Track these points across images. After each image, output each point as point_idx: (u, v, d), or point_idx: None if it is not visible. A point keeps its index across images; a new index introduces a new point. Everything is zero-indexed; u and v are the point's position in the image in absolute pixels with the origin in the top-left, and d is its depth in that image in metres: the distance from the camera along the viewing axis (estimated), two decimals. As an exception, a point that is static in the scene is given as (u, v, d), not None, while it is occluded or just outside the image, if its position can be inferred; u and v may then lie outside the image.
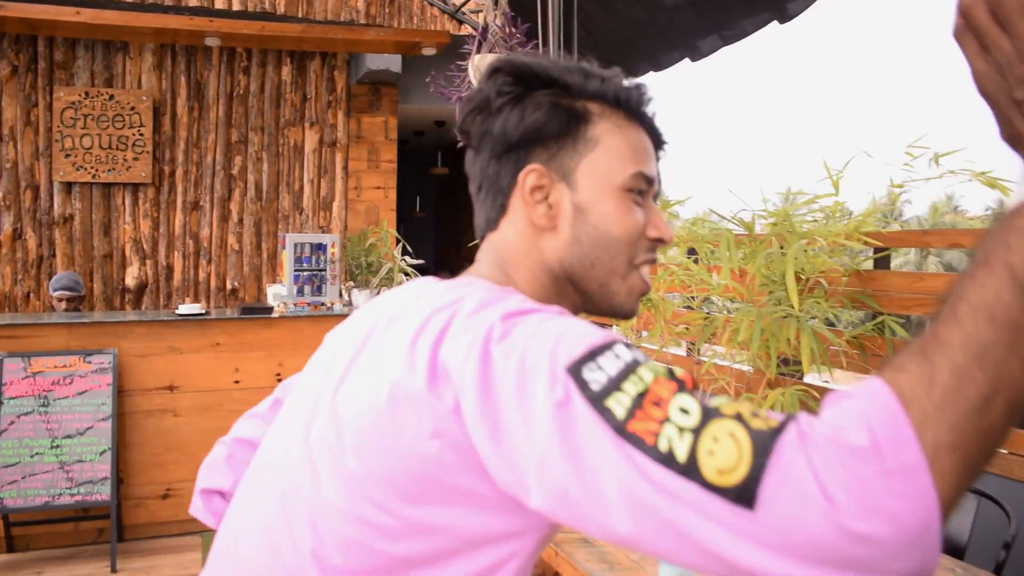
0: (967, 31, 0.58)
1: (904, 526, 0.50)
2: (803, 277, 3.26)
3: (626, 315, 0.92)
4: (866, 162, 3.32)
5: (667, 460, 0.56)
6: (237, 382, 4.43)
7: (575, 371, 0.63)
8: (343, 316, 4.70)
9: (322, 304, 4.84)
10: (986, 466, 0.53)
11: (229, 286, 5.85)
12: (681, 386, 0.61)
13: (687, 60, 4.31)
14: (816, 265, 3.43)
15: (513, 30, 3.57)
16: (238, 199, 5.86)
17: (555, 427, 0.61)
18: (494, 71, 0.90)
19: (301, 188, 5.98)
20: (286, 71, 5.95)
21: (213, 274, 5.84)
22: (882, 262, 3.54)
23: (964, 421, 0.51)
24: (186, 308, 4.36)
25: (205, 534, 4.46)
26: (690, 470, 0.55)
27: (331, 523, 0.76)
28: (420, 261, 5.59)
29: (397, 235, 5.81)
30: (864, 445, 0.52)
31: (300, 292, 4.91)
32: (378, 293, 5.16)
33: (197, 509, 1.13)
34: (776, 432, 0.55)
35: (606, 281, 0.90)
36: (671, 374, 0.62)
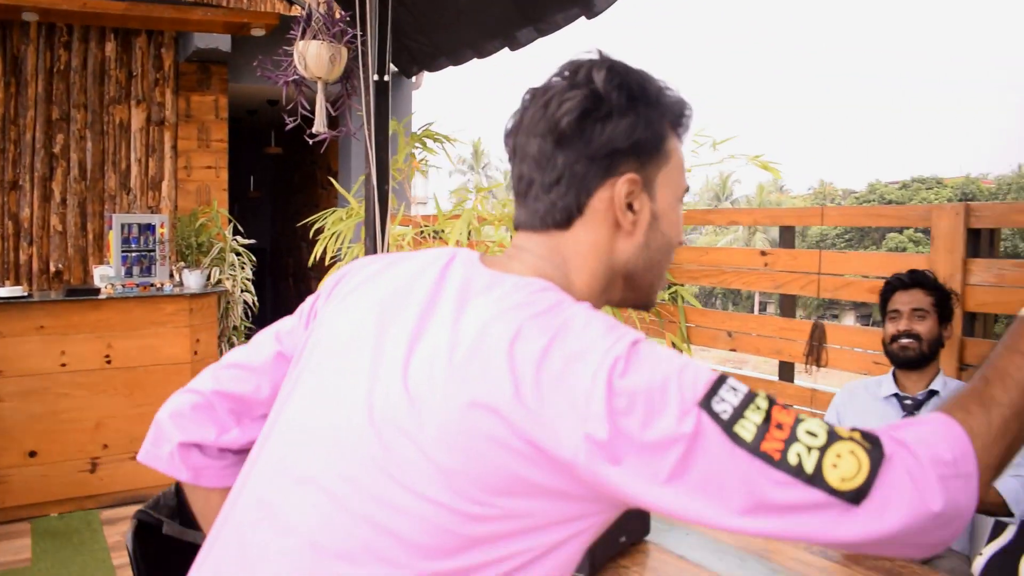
0: None
1: (961, 511, 0.76)
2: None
3: (651, 307, 1.06)
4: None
5: (796, 471, 0.75)
6: (64, 365, 4.37)
7: (705, 405, 0.77)
8: (174, 296, 4.71)
9: (151, 285, 4.82)
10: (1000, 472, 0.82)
11: (53, 268, 5.68)
12: (798, 416, 0.78)
13: (507, 49, 4.56)
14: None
15: (337, 16, 3.69)
16: (60, 179, 5.69)
17: (694, 450, 0.75)
18: (609, 71, 0.94)
19: (128, 167, 5.87)
20: (110, 47, 5.80)
21: (35, 256, 5.66)
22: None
23: (1001, 453, 0.79)
24: (5, 291, 4.26)
25: (35, 520, 4.42)
26: (818, 480, 0.74)
27: (411, 505, 0.81)
28: (252, 241, 5.63)
29: (228, 215, 5.81)
30: (948, 459, 0.76)
31: (129, 273, 4.86)
32: (209, 274, 5.18)
33: (168, 462, 1.11)
34: (882, 451, 0.76)
35: (656, 281, 1.02)
36: (777, 402, 0.79)
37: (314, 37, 3.62)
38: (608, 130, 0.92)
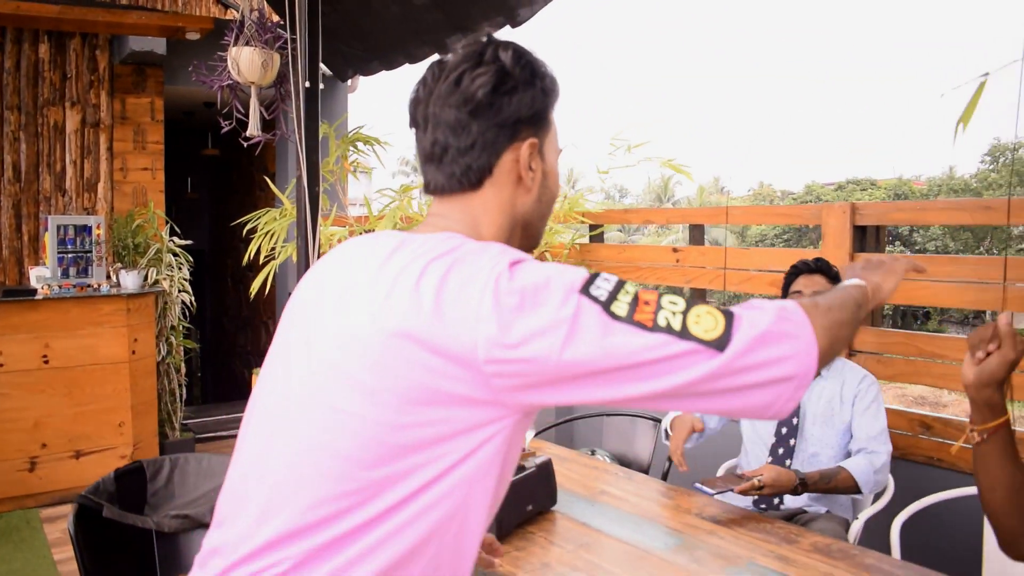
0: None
1: (803, 343, 0.96)
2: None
3: (535, 248, 1.24)
4: (576, 151, 3.89)
5: (667, 331, 0.92)
6: (1, 365, 4.43)
7: (584, 291, 0.93)
8: (111, 297, 4.79)
9: (88, 285, 4.88)
10: (836, 348, 1.04)
11: (-14, 270, 5.69)
12: (661, 292, 0.96)
13: (437, 55, 4.74)
14: (550, 240, 3.99)
15: (270, 21, 3.82)
16: (-7, 181, 5.69)
17: (576, 328, 0.91)
18: (513, 51, 1.11)
19: (63, 169, 5.88)
20: (44, 49, 5.81)
21: (-32, 258, 5.65)
22: (597, 237, 4.16)
23: (825, 325, 1.00)
24: (-59, 293, 4.29)
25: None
26: (687, 333, 0.92)
27: (348, 423, 0.97)
28: (189, 242, 5.69)
29: (165, 216, 5.87)
30: (787, 311, 0.98)
31: (65, 274, 4.91)
32: (147, 274, 5.25)
33: None
34: (731, 311, 0.95)
35: (543, 227, 1.20)
36: (643, 287, 0.97)
37: (247, 43, 3.74)
38: (515, 102, 1.09)
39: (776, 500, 2.56)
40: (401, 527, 0.97)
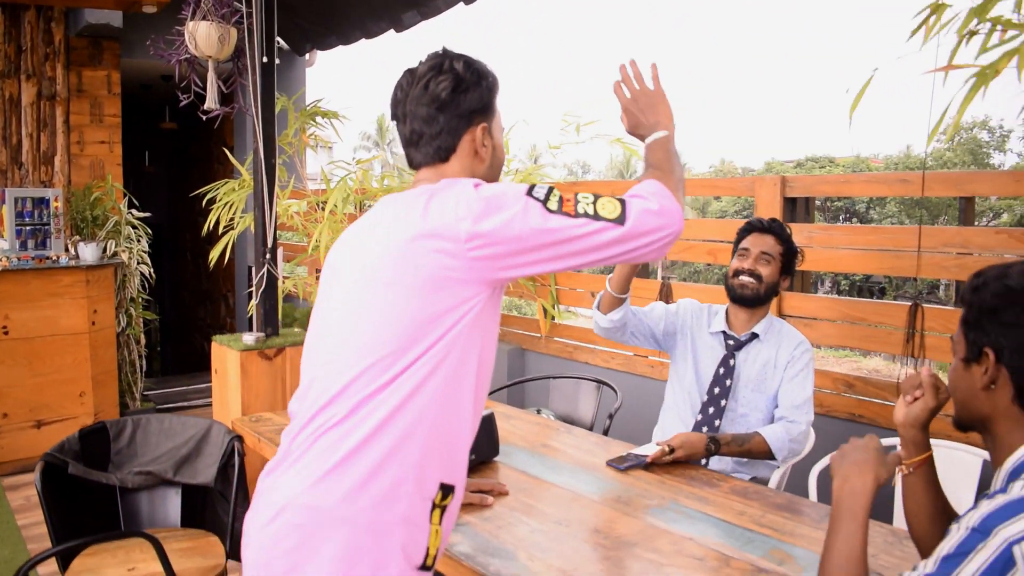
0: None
1: (674, 211, 1.42)
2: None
3: None
4: (527, 127, 4.04)
5: (586, 215, 1.37)
6: (-40, 335, 4.48)
7: (529, 193, 1.37)
8: (70, 268, 4.85)
9: (47, 258, 4.93)
10: (683, 191, 1.54)
11: (-57, 243, 5.69)
12: (577, 193, 1.42)
13: (393, 31, 4.83)
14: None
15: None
16: (-51, 153, 5.69)
17: (526, 216, 1.35)
18: (464, 62, 1.54)
19: (19, 142, 5.89)
20: (-3, 21, 5.79)
21: (-76, 231, 5.65)
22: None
23: (676, 188, 1.48)
24: (-101, 264, 4.32)
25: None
26: (598, 215, 1.37)
27: (387, 309, 1.37)
28: (148, 214, 5.75)
29: (123, 189, 5.91)
30: (658, 192, 1.44)
31: (24, 247, 4.96)
32: (105, 246, 5.31)
33: None
34: (623, 198, 1.41)
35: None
36: (564, 191, 1.43)
37: (204, 17, 3.80)
38: (468, 98, 1.53)
39: (704, 464, 2.55)
40: (419, 383, 1.35)
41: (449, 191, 1.40)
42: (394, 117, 1.59)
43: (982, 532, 1.10)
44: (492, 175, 1.60)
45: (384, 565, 1.33)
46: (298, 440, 1.40)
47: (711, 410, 2.67)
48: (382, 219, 1.48)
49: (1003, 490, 1.17)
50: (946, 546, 1.13)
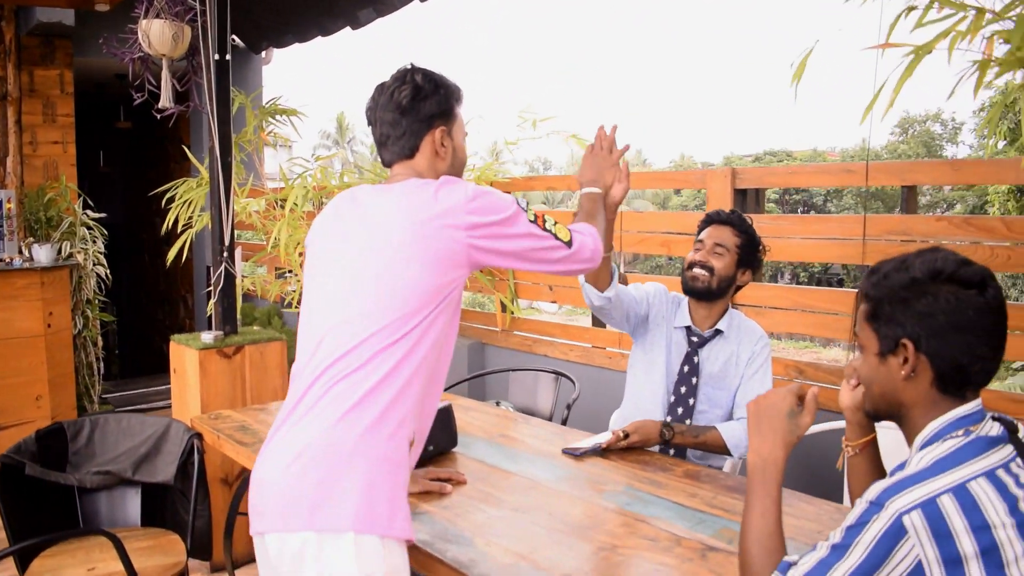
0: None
1: (597, 248, 1.86)
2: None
3: None
4: (485, 123, 4.09)
5: (549, 233, 1.74)
6: (-88, 339, 4.40)
7: (516, 203, 1.70)
8: (25, 270, 4.79)
9: (0, 260, 4.87)
10: (608, 237, 2.21)
11: None
12: (544, 214, 1.76)
13: (349, 29, 4.83)
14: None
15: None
16: None
17: (516, 220, 1.69)
18: (423, 74, 1.79)
19: (-30, 143, 5.80)
20: (-56, 20, 5.69)
21: None
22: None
23: (600, 232, 1.95)
24: None
25: None
26: (556, 236, 1.74)
27: (399, 279, 1.61)
28: (103, 215, 5.69)
29: (78, 190, 5.84)
30: (594, 233, 1.89)
31: (-24, 249, 4.89)
32: (60, 248, 5.26)
33: None
34: (571, 228, 1.83)
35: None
36: (538, 210, 1.78)
37: (157, 15, 3.78)
38: (426, 105, 1.77)
39: (659, 450, 2.53)
40: (419, 339, 1.61)
41: (455, 185, 1.66)
42: (369, 123, 1.84)
43: (877, 504, 1.17)
44: (454, 172, 1.83)
45: (395, 499, 1.56)
46: (313, 390, 1.61)
47: (680, 410, 2.63)
48: (378, 201, 1.72)
49: (901, 466, 1.26)
50: (850, 517, 1.20)
